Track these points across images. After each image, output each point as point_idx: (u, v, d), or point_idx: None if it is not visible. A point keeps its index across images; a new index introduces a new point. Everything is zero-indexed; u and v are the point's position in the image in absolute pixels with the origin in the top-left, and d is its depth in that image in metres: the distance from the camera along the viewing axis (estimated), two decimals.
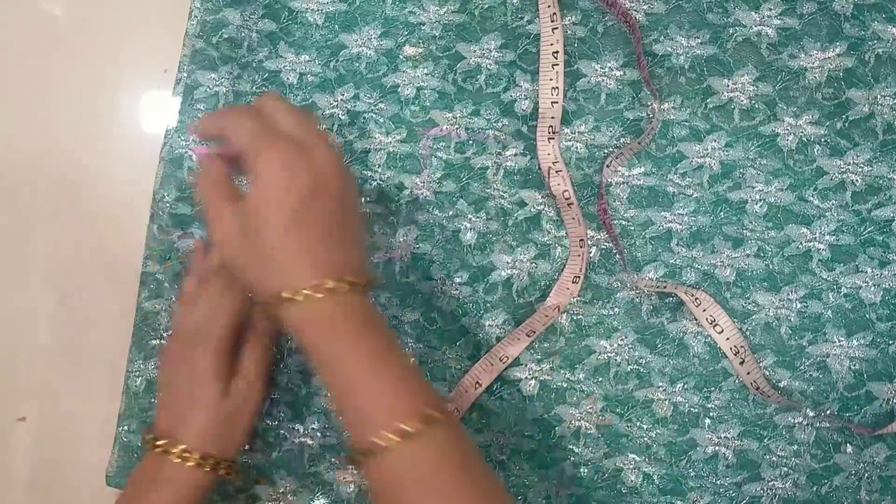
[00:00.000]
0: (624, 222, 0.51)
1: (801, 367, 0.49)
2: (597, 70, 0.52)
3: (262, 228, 0.40)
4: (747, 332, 0.49)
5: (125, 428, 0.54)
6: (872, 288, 0.49)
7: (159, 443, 0.46)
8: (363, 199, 0.54)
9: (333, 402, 0.41)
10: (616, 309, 0.51)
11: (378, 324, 0.42)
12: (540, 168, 0.51)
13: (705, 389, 0.50)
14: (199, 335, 0.47)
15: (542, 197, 0.52)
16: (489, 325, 0.52)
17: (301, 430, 0.53)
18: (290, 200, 0.39)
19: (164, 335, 0.54)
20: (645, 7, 0.52)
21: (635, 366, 0.51)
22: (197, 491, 0.46)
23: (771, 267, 0.50)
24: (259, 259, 0.40)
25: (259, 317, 0.49)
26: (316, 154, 0.40)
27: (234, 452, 0.48)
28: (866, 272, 0.49)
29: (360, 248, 0.43)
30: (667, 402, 0.50)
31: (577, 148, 0.52)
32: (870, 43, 0.50)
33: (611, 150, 0.51)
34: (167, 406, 0.48)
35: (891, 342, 0.48)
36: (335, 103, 0.54)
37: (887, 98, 0.49)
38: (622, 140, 0.51)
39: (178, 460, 0.45)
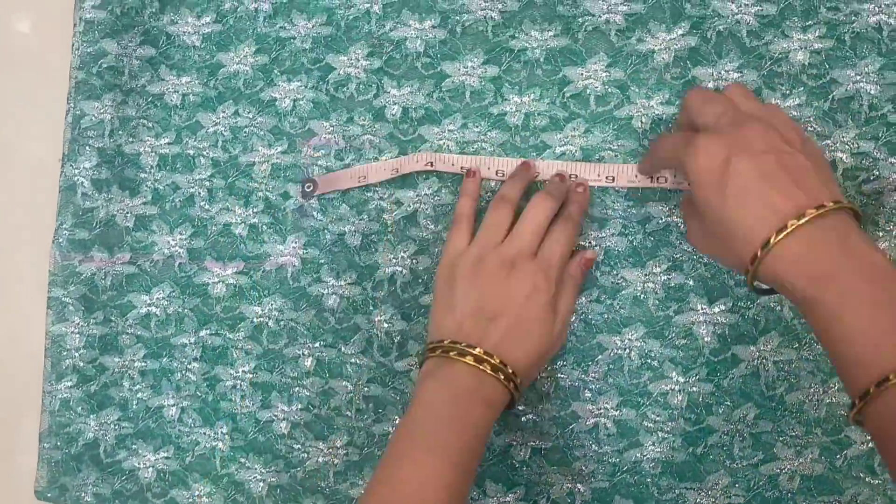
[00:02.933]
0: None
1: (670, 336, 0.52)
2: (459, 69, 0.54)
3: (707, 213, 0.41)
4: (618, 307, 0.52)
5: (47, 445, 0.57)
6: None
7: (492, 360, 0.45)
8: (252, 210, 0.56)
9: (823, 346, 0.38)
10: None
11: (862, 242, 0.37)
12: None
13: (583, 364, 0.52)
14: (542, 263, 0.48)
15: (416, 195, 0.54)
16: (379, 320, 0.55)
17: (212, 435, 0.56)
18: (714, 176, 0.39)
19: (76, 354, 0.57)
20: (499, 6, 0.54)
21: None
22: (498, 414, 0.46)
23: (635, 243, 0.52)
24: (719, 246, 0.42)
25: (571, 263, 0.50)
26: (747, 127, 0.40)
27: (527, 386, 0.49)
28: None
29: (814, 181, 0.39)
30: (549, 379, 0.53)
31: (448, 146, 0.54)
32: (711, 20, 0.52)
33: (478, 145, 0.54)
34: (499, 321, 0.46)
35: (750, 306, 0.51)
36: (217, 120, 0.57)
37: (731, 73, 0.51)
38: (489, 134, 0.54)
39: (506, 382, 0.45)
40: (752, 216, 0.38)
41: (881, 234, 0.50)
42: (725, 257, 0.42)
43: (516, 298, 0.47)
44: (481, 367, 0.45)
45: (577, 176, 0.52)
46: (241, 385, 0.56)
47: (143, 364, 0.57)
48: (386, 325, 0.54)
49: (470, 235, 0.51)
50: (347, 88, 0.55)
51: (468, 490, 0.45)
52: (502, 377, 0.45)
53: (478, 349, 0.45)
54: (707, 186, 0.40)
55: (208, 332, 0.56)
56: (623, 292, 0.52)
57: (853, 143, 0.50)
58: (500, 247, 0.48)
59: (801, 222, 0.37)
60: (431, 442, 0.44)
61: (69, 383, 0.57)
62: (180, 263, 0.57)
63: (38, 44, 0.60)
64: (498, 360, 0.45)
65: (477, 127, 0.54)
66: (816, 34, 0.51)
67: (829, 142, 0.51)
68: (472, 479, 0.45)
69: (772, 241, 0.37)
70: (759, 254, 0.38)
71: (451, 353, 0.46)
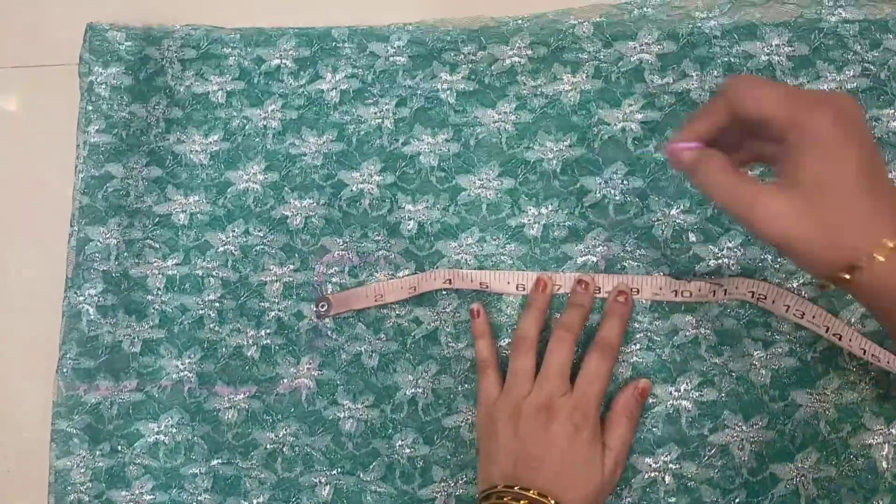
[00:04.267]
0: None
1: (705, 456, 0.49)
2: (475, 182, 0.53)
3: (826, 193, 0.35)
4: (650, 425, 0.50)
5: None
6: (762, 370, 0.49)
7: (547, 501, 0.44)
8: (264, 332, 0.54)
9: None
10: None
11: None
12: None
13: (617, 487, 0.50)
14: (579, 401, 0.47)
15: (435, 313, 0.53)
16: (400, 445, 0.52)
17: None
18: (855, 154, 0.35)
19: (81, 488, 0.54)
20: (513, 118, 0.53)
21: None
22: None
23: (663, 357, 0.50)
24: (824, 228, 0.35)
25: (624, 394, 0.49)
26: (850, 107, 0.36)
27: None
28: (753, 355, 0.49)
29: None
30: None
31: (466, 260, 0.53)
32: None
33: (497, 258, 0.52)
34: (545, 467, 0.45)
35: (786, 421, 0.49)
36: (227, 240, 0.55)
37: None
38: (508, 248, 0.52)
39: None
40: (869, 221, 0.35)
41: None
42: (818, 253, 0.36)
43: (558, 442, 0.46)
44: None
45: (600, 289, 0.51)
46: None
47: (152, 497, 0.54)
48: (408, 449, 0.52)
49: (499, 379, 0.50)
50: (360, 204, 0.54)
51: None
52: None
53: (531, 491, 0.44)
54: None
55: (220, 460, 0.54)
56: (654, 410, 0.50)
57: None
58: (530, 396, 0.48)
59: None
60: None
61: None
62: (189, 389, 0.54)
63: (38, 166, 0.58)
64: (553, 501, 0.44)
65: (495, 240, 0.53)
66: None
67: None
68: None
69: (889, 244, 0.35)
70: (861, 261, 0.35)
71: (506, 498, 0.45)
